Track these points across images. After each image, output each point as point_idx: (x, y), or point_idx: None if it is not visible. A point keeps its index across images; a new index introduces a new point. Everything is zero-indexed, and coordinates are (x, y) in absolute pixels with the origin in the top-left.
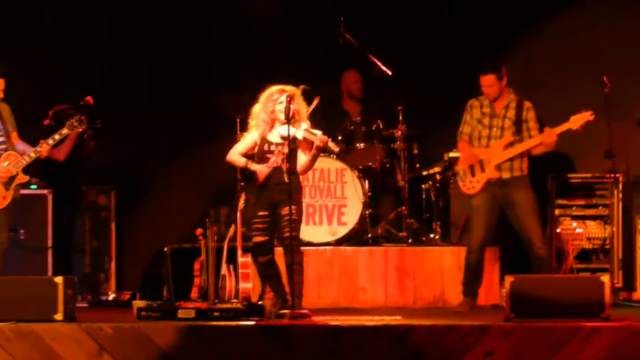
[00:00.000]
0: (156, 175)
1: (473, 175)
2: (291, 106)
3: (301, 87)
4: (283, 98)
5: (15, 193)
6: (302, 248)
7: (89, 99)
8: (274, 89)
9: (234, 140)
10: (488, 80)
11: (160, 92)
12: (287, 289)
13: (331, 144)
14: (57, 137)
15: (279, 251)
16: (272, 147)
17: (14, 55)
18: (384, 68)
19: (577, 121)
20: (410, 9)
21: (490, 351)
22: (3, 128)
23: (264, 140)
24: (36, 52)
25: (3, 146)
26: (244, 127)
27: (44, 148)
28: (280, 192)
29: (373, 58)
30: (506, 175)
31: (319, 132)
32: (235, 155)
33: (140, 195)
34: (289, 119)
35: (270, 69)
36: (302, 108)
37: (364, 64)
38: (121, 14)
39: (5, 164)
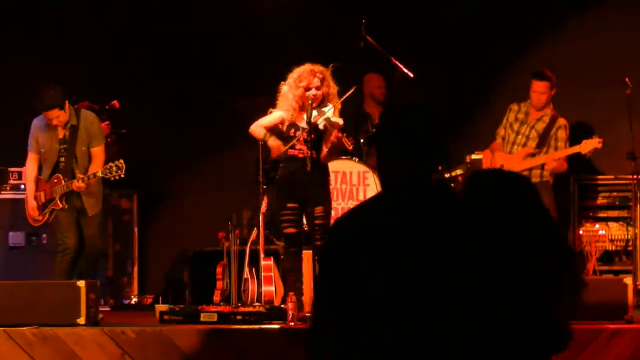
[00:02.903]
0: (178, 179)
1: None
2: (314, 105)
3: (331, 66)
4: (314, 83)
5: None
6: None
7: (115, 103)
8: (303, 69)
9: (254, 143)
10: (541, 87)
11: (183, 96)
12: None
13: (345, 141)
14: (91, 177)
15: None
16: (298, 133)
17: (37, 59)
18: (405, 70)
19: (587, 146)
20: (431, 11)
21: None
22: (68, 149)
23: (292, 124)
24: (60, 57)
25: (63, 165)
26: None
27: (77, 185)
28: (306, 186)
29: (395, 61)
30: None
31: (340, 121)
32: (258, 127)
33: (162, 199)
34: (311, 123)
35: (290, 72)
36: (332, 89)
37: (385, 66)
38: (141, 18)
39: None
